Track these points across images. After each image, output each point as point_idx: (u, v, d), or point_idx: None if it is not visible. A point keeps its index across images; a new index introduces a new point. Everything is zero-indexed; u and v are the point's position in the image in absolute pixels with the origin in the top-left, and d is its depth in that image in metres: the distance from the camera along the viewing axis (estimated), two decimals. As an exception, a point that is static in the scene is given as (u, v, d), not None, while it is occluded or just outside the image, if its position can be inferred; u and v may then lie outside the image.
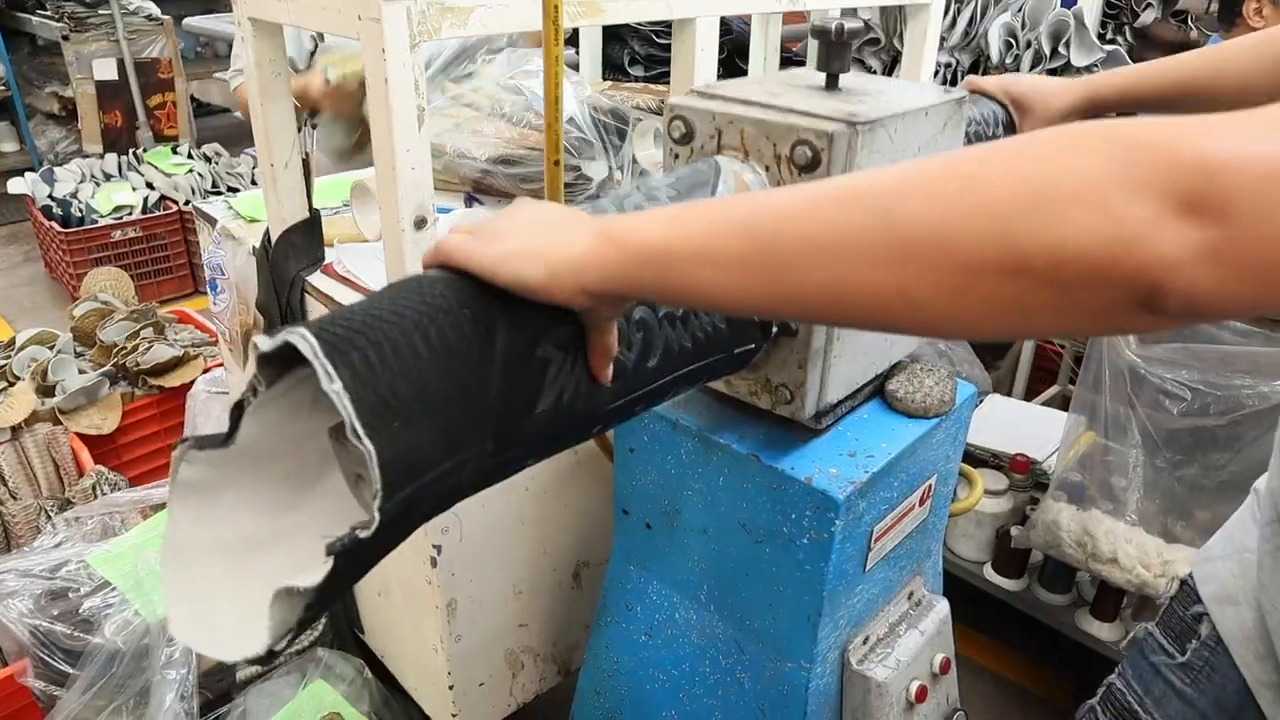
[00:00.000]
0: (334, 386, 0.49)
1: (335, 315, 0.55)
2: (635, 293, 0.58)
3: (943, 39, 2.70)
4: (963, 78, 2.81)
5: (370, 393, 0.51)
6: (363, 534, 0.51)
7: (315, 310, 1.40)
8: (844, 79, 0.96)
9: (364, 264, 1.40)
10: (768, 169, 0.87)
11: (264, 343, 0.51)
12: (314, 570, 0.51)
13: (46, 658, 1.40)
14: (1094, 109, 1.12)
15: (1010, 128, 1.20)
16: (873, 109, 0.87)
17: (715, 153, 0.91)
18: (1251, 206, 0.40)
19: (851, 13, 1.65)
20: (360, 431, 0.50)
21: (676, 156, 0.94)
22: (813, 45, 1.94)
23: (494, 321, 0.60)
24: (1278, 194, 0.40)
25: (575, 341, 0.67)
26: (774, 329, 0.89)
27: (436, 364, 0.56)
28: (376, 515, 0.51)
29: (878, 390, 1.11)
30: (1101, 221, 0.42)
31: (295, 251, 1.38)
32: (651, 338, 0.75)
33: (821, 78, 0.96)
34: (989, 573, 2.02)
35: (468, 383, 0.58)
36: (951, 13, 2.70)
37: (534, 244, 0.58)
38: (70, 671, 1.39)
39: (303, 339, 0.50)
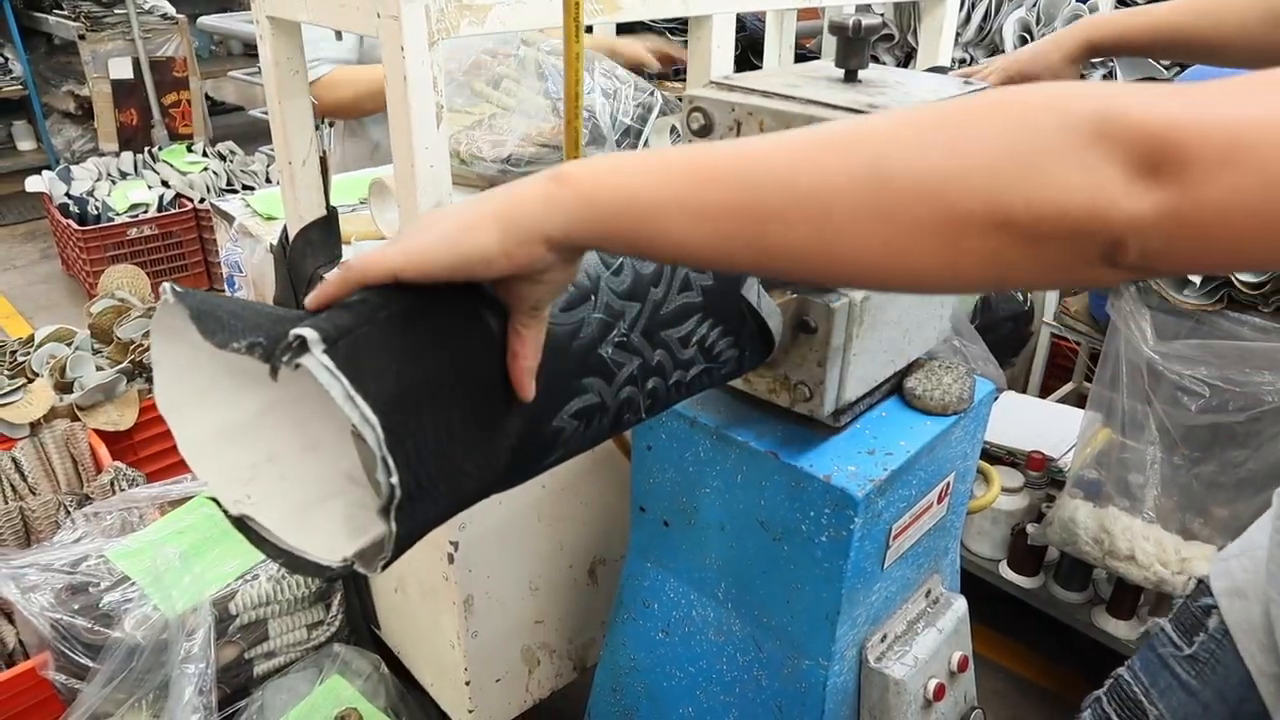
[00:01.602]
0: (391, 480, 0.51)
1: (389, 358, 0.53)
2: (601, 243, 0.54)
3: (957, 34, 2.68)
4: (978, 73, 2.80)
5: (412, 481, 0.52)
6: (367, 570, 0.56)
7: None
8: (864, 71, 0.95)
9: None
10: None
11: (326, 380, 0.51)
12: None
13: (67, 651, 1.41)
14: (1094, 53, 1.14)
15: None
16: (892, 100, 0.87)
17: None
18: (1204, 173, 0.43)
19: (866, 8, 1.64)
20: (393, 516, 0.51)
21: None
22: (830, 41, 1.94)
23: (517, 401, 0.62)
24: (1230, 163, 0.42)
25: (593, 414, 0.70)
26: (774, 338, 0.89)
27: (466, 441, 0.57)
28: (379, 569, 0.55)
29: (896, 388, 1.11)
30: (1079, 180, 0.45)
31: (313, 249, 1.39)
32: (658, 403, 0.78)
33: (841, 70, 0.96)
34: (1005, 570, 2.01)
35: (489, 459, 0.60)
36: (966, 8, 2.69)
37: (478, 213, 0.54)
38: (90, 665, 1.40)
39: (371, 430, 0.50)
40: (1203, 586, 1.00)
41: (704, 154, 0.52)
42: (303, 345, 0.50)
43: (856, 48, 0.94)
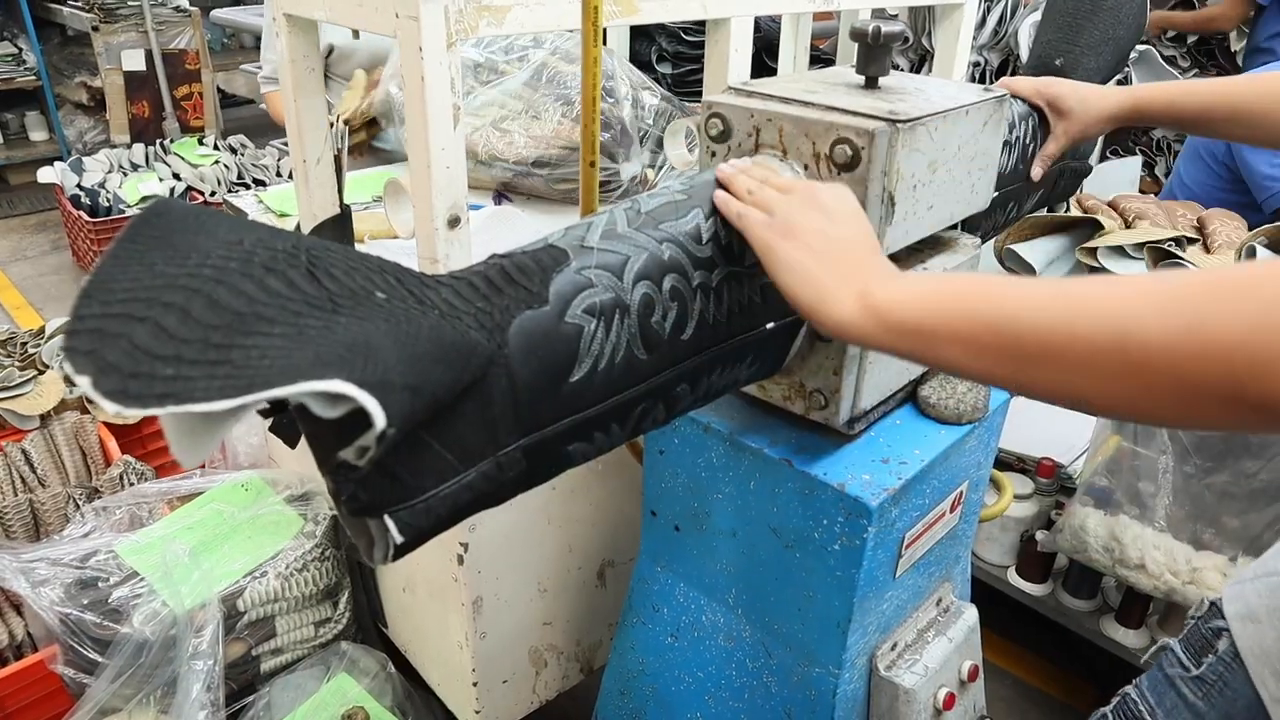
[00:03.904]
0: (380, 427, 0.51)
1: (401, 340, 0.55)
2: (886, 352, 0.68)
3: (972, 38, 2.67)
4: (992, 77, 2.78)
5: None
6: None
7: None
8: (883, 78, 0.95)
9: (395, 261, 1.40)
10: (806, 167, 0.87)
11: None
12: None
13: (76, 645, 1.41)
14: (1136, 118, 1.14)
15: (1041, 129, 1.19)
16: (913, 107, 0.86)
17: (753, 151, 0.90)
18: None
19: (882, 12, 1.63)
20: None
21: (714, 154, 0.93)
22: (849, 48, 1.93)
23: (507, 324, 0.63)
24: None
25: (609, 310, 0.69)
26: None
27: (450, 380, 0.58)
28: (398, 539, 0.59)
29: (910, 396, 1.10)
30: None
31: (326, 247, 1.39)
32: (686, 309, 0.75)
33: (860, 76, 0.95)
34: (1013, 577, 2.00)
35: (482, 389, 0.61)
36: (981, 12, 2.68)
37: (815, 275, 0.70)
38: (99, 660, 1.40)
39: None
40: (1214, 609, 0.99)
41: (972, 294, 0.63)
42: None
43: (877, 54, 0.93)
